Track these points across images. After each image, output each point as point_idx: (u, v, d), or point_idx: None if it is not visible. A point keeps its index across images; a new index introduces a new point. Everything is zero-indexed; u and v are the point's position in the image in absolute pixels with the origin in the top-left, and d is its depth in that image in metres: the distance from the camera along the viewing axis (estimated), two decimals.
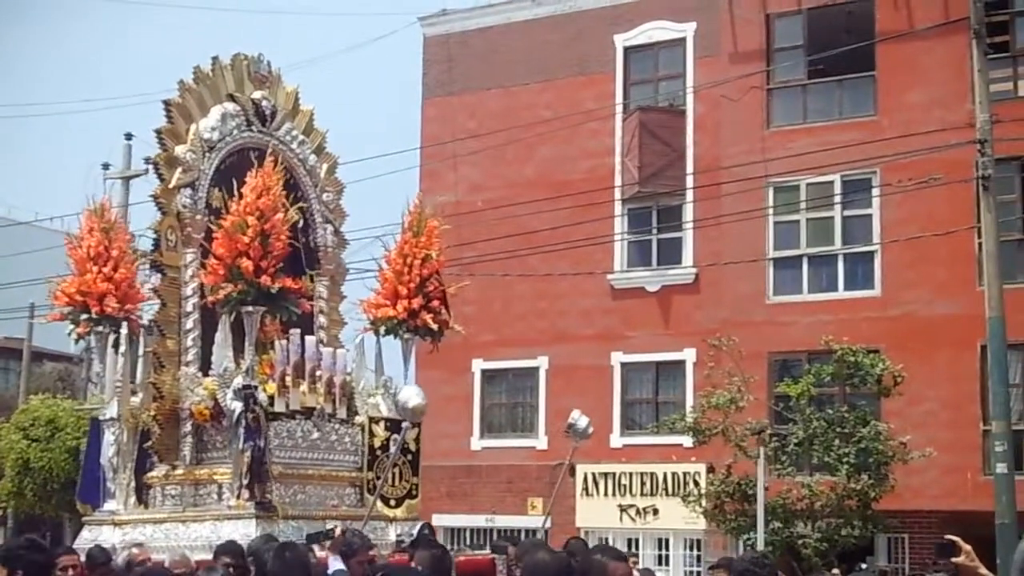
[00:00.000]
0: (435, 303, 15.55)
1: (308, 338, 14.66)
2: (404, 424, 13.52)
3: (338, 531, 10.96)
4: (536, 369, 30.31)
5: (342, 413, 15.00)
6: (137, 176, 29.76)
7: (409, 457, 15.07)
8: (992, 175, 20.85)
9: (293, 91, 16.48)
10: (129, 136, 30.15)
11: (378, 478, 14.25)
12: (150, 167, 29.02)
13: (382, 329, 15.60)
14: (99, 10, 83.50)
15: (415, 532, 14.01)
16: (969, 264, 24.73)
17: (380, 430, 14.81)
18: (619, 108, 30.27)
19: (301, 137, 16.32)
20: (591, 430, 16.39)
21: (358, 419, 15.16)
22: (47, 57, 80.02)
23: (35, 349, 41.45)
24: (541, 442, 30.10)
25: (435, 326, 15.59)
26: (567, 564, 6.70)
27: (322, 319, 16.18)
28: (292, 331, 14.48)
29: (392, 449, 14.32)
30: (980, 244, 22.28)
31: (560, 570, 6.60)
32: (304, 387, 14.40)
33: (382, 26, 73.82)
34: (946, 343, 24.96)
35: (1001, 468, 19.99)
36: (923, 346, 24.86)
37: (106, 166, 30.08)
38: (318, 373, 14.68)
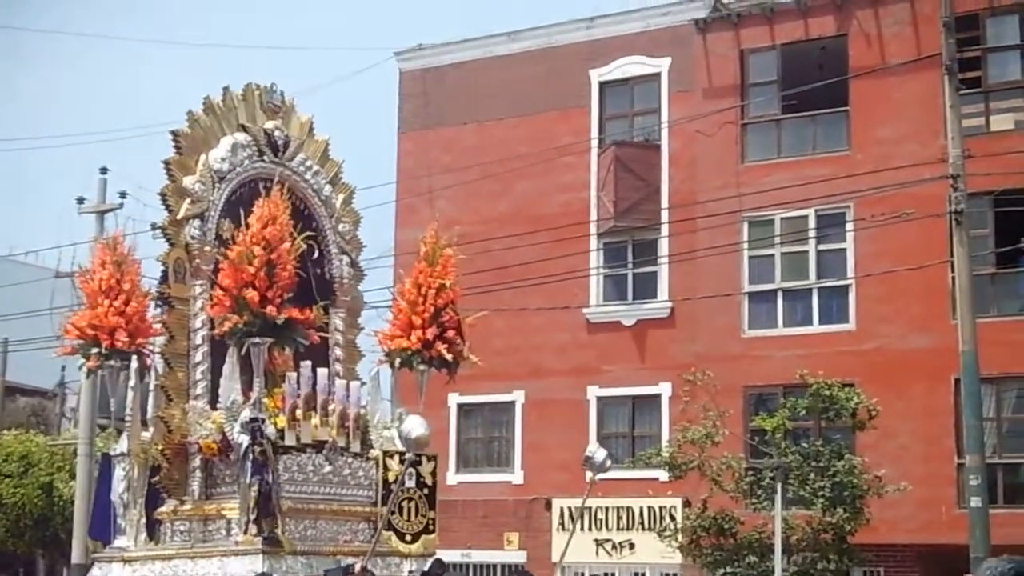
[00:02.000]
0: (450, 333, 15.20)
1: (320, 370, 14.34)
2: (408, 456, 13.26)
3: (357, 567, 10.80)
4: (512, 403, 30.30)
5: (356, 447, 14.66)
6: (111, 210, 29.68)
7: (425, 491, 14.54)
8: (965, 210, 21.01)
9: (307, 121, 16.22)
10: (104, 170, 30.06)
11: (392, 513, 13.87)
12: (124, 201, 29.27)
13: (397, 361, 15.27)
14: (69, 46, 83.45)
15: (427, 567, 13.75)
16: (942, 298, 24.84)
17: (395, 464, 14.20)
18: (595, 143, 30.37)
19: (316, 167, 16.03)
20: (609, 463, 15.83)
21: (372, 453, 14.77)
22: (23, 91, 79.92)
23: (8, 384, 41.23)
24: (517, 476, 30.06)
25: (450, 356, 15.22)
26: None
27: (338, 351, 15.84)
28: (303, 363, 14.20)
29: (407, 482, 14.01)
30: (953, 278, 22.42)
31: None
32: (316, 420, 14.10)
33: (358, 61, 73.99)
34: (920, 377, 25.05)
35: (975, 502, 20.06)
36: (897, 380, 24.94)
37: (81, 200, 29.98)
38: (331, 406, 14.36)
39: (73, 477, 29.78)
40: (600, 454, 15.22)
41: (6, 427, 35.84)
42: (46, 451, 32.95)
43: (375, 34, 69.15)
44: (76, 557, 27.74)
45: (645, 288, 29.76)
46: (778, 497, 19.97)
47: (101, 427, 31.26)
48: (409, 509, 14.30)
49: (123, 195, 29.87)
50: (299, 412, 13.92)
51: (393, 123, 33.03)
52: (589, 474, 15.59)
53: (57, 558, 33.55)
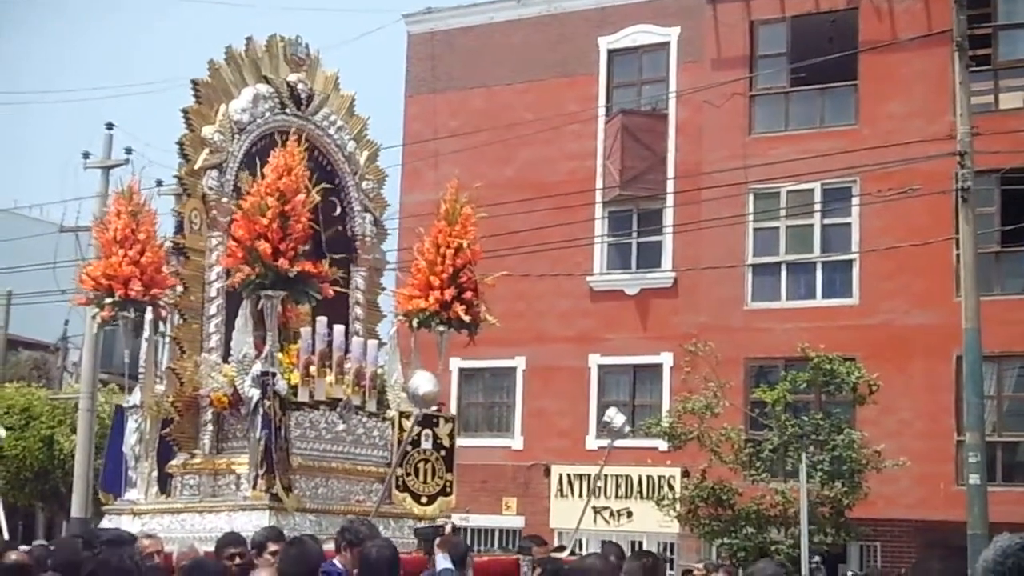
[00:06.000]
0: (468, 294, 14.93)
1: (336, 327, 14.16)
2: (415, 413, 13.07)
3: (448, 528, 10.66)
4: (513, 369, 30.36)
5: (372, 406, 14.49)
6: (117, 166, 29.65)
7: (443, 453, 14.29)
8: (971, 187, 20.96)
9: (333, 75, 15.95)
10: (110, 125, 30.05)
11: (408, 474, 13.74)
12: (131, 157, 29.26)
13: (414, 321, 15.01)
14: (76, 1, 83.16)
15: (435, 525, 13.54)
16: (947, 275, 24.84)
17: (410, 424, 13.86)
18: (602, 111, 30.34)
19: (340, 122, 15.74)
20: (628, 429, 15.66)
21: (389, 413, 14.58)
22: (28, 45, 79.68)
23: (11, 337, 41.31)
24: (517, 442, 30.16)
25: (468, 318, 14.94)
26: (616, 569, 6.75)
27: (359, 311, 15.64)
28: (319, 319, 14.03)
29: (423, 443, 13.84)
30: (958, 256, 22.39)
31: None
32: (331, 377, 13.93)
33: (367, 23, 73.70)
34: (922, 353, 25.09)
35: (974, 479, 20.10)
36: (899, 356, 24.98)
37: (86, 155, 29.96)
38: (347, 364, 14.20)
39: (74, 431, 29.88)
40: (619, 419, 15.09)
41: (8, 380, 35.95)
42: (47, 405, 33.05)
43: None
44: (75, 511, 27.87)
45: (649, 257, 29.78)
46: (802, 467, 19.99)
47: (103, 382, 31.36)
48: (425, 471, 14.08)
49: (129, 151, 29.86)
50: (313, 368, 13.79)
51: (400, 86, 32.99)
52: (607, 440, 15.47)
53: (56, 511, 33.72)
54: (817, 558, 21.78)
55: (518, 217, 27.69)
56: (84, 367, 29.61)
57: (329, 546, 9.81)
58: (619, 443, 15.93)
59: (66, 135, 61.13)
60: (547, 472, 29.21)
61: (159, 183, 29.33)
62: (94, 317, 14.99)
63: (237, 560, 9.31)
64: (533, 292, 29.16)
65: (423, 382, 12.61)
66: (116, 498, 14.42)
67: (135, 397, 14.42)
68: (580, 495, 28.27)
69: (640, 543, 27.70)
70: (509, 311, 29.75)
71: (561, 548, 15.82)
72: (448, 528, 10.74)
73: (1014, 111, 25.71)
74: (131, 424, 14.30)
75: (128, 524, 13.58)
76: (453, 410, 30.38)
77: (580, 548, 19.47)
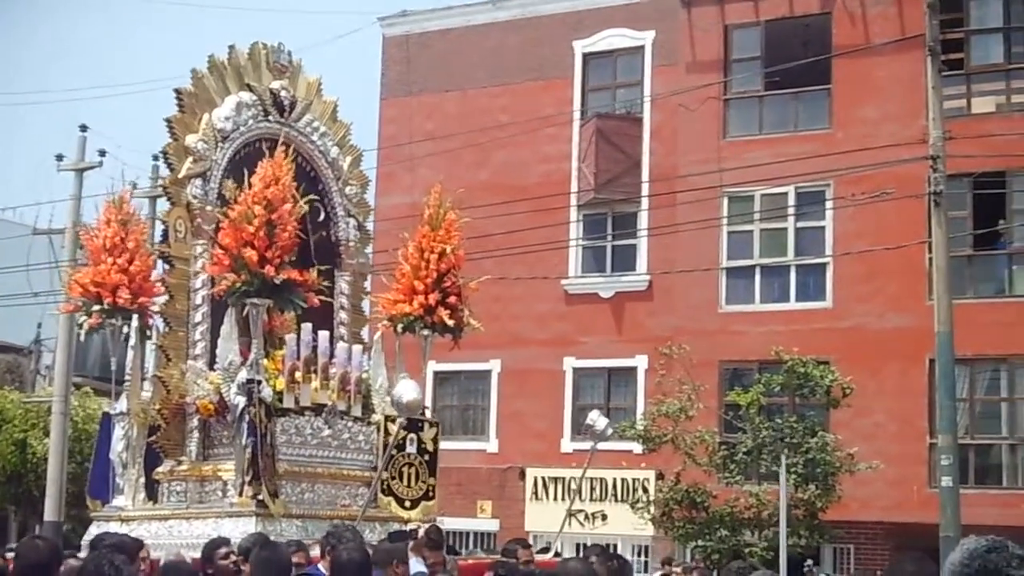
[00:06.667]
0: (452, 299, 15.14)
1: (321, 333, 14.29)
2: (399, 420, 13.25)
3: (421, 531, 10.74)
4: (488, 372, 30.37)
5: (357, 411, 14.64)
6: (91, 168, 29.55)
7: (426, 458, 14.51)
8: (944, 191, 21.06)
9: (315, 82, 16.08)
10: (84, 128, 29.90)
11: (393, 478, 13.87)
12: (103, 159, 29.16)
13: (399, 326, 15.21)
14: (49, 4, 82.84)
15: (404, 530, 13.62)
16: (919, 278, 24.96)
17: (395, 429, 14.08)
18: (576, 114, 30.39)
19: (323, 128, 15.91)
20: (610, 431, 15.78)
21: (374, 417, 14.73)
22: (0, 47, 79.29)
23: None
24: (492, 445, 30.17)
25: (452, 322, 15.17)
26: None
27: (343, 315, 15.81)
28: (303, 326, 14.14)
29: (408, 448, 13.95)
30: (930, 259, 22.50)
31: None
32: (316, 383, 14.05)
33: (342, 25, 73.63)
34: (895, 356, 25.19)
35: (947, 481, 20.19)
36: (872, 358, 25.08)
37: (60, 157, 29.82)
38: (332, 370, 14.33)
39: (47, 435, 29.71)
40: (602, 422, 15.24)
41: None
42: (20, 408, 32.87)
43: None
44: (48, 515, 27.73)
45: (624, 261, 29.84)
46: (782, 469, 20.10)
47: (76, 385, 31.21)
48: (409, 475, 14.25)
49: (102, 153, 29.75)
50: (298, 374, 13.88)
51: (375, 89, 32.96)
52: (589, 443, 15.57)
53: (30, 515, 33.51)
54: (809, 561, 21.93)
55: (493, 220, 27.68)
56: (57, 370, 29.46)
57: (316, 551, 9.88)
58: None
59: (39, 137, 60.94)
60: (522, 475, 29.24)
61: (133, 186, 29.25)
62: (81, 324, 15.00)
63: (232, 557, 9.36)
64: (508, 295, 29.15)
65: (407, 390, 12.89)
66: (104, 505, 14.49)
67: (122, 404, 14.50)
68: (555, 498, 28.31)
69: (615, 545, 27.73)
70: (484, 314, 29.44)
71: (545, 550, 15.89)
72: (421, 532, 10.79)
73: (986, 115, 25.90)
74: (118, 431, 14.39)
75: (115, 530, 13.60)
76: (427, 414, 30.46)
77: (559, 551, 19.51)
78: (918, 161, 22.32)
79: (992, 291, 26.02)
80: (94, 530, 14.13)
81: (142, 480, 14.26)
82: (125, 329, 14.58)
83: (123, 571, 6.31)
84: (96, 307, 14.39)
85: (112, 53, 77.52)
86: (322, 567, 9.29)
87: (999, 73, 26.59)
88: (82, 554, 10.77)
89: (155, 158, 28.06)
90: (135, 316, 14.45)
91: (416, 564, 10.05)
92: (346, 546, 8.43)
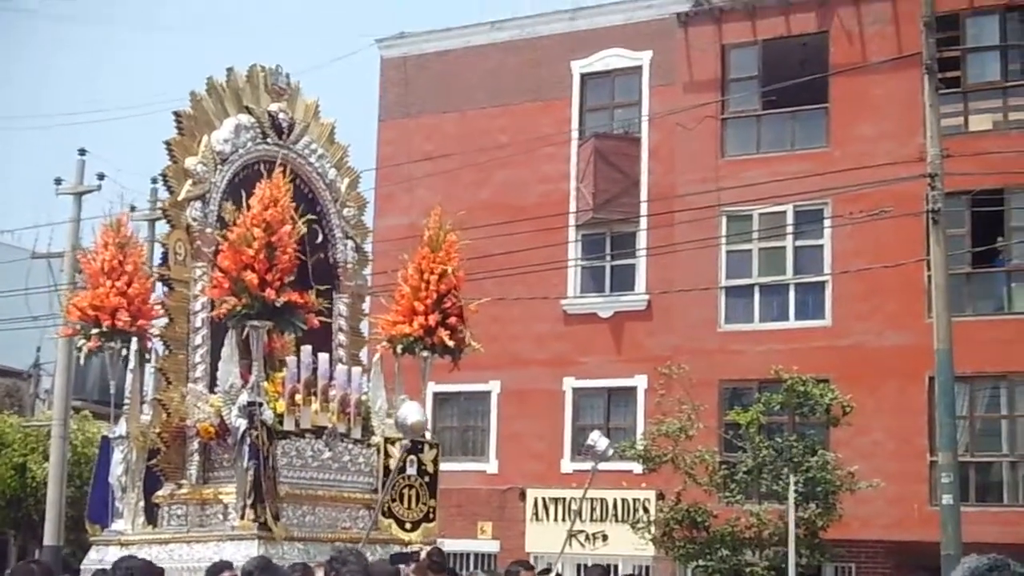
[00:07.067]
0: (452, 320, 15.10)
1: (320, 355, 14.22)
2: (403, 442, 13.20)
3: (423, 554, 10.72)
4: (488, 393, 30.35)
5: (357, 433, 14.56)
6: (90, 192, 29.62)
7: (427, 479, 14.46)
8: (942, 209, 21.11)
9: (313, 104, 16.08)
10: (83, 151, 29.98)
11: (393, 500, 13.82)
12: (102, 183, 29.22)
13: (398, 347, 15.17)
14: (47, 28, 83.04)
15: (406, 552, 13.61)
16: (918, 296, 24.98)
17: (396, 451, 14.00)
18: (575, 134, 30.42)
19: (320, 150, 15.91)
20: (611, 452, 15.76)
21: (374, 439, 14.67)
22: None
23: None
24: (492, 466, 30.13)
25: (452, 344, 15.13)
26: None
27: (342, 337, 15.76)
28: (303, 348, 14.09)
29: (408, 470, 13.92)
30: (929, 277, 22.53)
31: None
32: (316, 405, 14.00)
33: (340, 47, 73.83)
34: (894, 374, 25.19)
35: (947, 499, 20.18)
36: (872, 377, 25.08)
37: (58, 181, 29.89)
38: (332, 392, 14.27)
39: (46, 459, 29.70)
40: (602, 443, 15.16)
41: None
42: (20, 432, 32.85)
43: (357, 21, 69.04)
44: (48, 539, 27.71)
45: (623, 280, 29.84)
46: (791, 489, 20.08)
47: (75, 409, 31.20)
48: (410, 497, 14.22)
49: (101, 177, 29.81)
50: (299, 397, 13.83)
51: (373, 111, 33.01)
52: (590, 463, 15.55)
53: (29, 539, 33.46)
54: None
55: (492, 240, 27.73)
56: (56, 394, 29.46)
57: (320, 575, 9.87)
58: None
59: (38, 160, 61.06)
60: (522, 496, 29.18)
61: (132, 208, 29.31)
62: (80, 348, 14.99)
63: None
64: (507, 315, 29.12)
65: (411, 412, 12.74)
66: (103, 529, 14.42)
67: (121, 427, 14.43)
68: (556, 519, 28.26)
69: (616, 566, 27.68)
70: (483, 334, 29.52)
71: (547, 571, 15.86)
72: (423, 555, 10.78)
73: (983, 133, 25.93)
74: (117, 455, 14.32)
75: (116, 555, 13.54)
76: (427, 435, 30.43)
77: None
78: (916, 179, 22.37)
79: (991, 308, 26.04)
80: (93, 555, 14.14)
81: (141, 504, 14.16)
82: (124, 352, 14.56)
83: None
84: (95, 330, 14.34)
85: (111, 77, 77.76)
86: None
87: (996, 91, 26.65)
88: None
89: (154, 181, 28.20)
90: (134, 339, 14.42)
91: None
92: (349, 568, 8.43)
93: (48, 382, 38.24)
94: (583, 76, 30.77)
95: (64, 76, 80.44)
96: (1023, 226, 25.98)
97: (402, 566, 10.60)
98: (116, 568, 8.81)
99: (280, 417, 13.61)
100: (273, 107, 15.41)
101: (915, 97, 24.34)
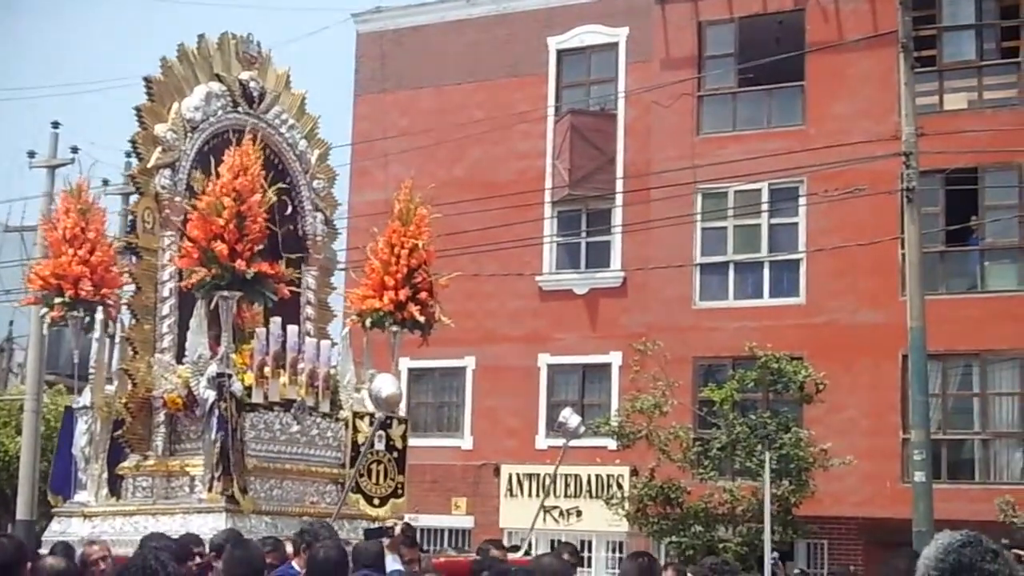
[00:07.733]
0: (423, 295, 15.04)
1: (290, 328, 14.16)
2: (378, 416, 13.10)
3: (398, 529, 10.69)
4: (463, 369, 30.36)
5: (325, 407, 14.53)
6: (63, 165, 29.42)
7: (395, 455, 14.39)
8: (916, 187, 21.15)
9: (284, 73, 15.97)
10: (56, 124, 29.79)
11: (361, 475, 13.72)
12: (77, 156, 29.04)
13: (368, 321, 15.09)
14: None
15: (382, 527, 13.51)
16: (892, 274, 25.05)
17: (364, 425, 13.94)
18: (551, 111, 30.39)
19: (291, 121, 15.82)
20: (583, 429, 15.73)
21: (342, 414, 14.62)
22: None
23: None
24: (466, 442, 30.15)
25: (422, 319, 15.08)
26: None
27: (309, 310, 15.68)
28: (273, 320, 14.01)
29: (377, 445, 13.82)
30: (903, 255, 22.60)
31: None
32: (284, 378, 13.94)
33: (315, 22, 73.35)
34: (868, 352, 25.27)
35: (919, 476, 20.28)
36: (845, 354, 25.16)
37: (32, 154, 29.69)
38: (300, 365, 14.21)
39: (19, 433, 29.59)
40: (574, 420, 15.21)
41: None
42: None
43: None
44: (21, 513, 27.60)
45: (598, 257, 29.85)
46: (766, 466, 20.16)
47: (49, 383, 31.06)
48: (378, 472, 14.14)
49: (75, 150, 29.63)
50: (267, 369, 13.77)
51: (349, 86, 32.91)
52: (561, 440, 15.54)
53: (2, 514, 33.36)
54: (776, 554, 21.95)
55: (467, 216, 27.68)
56: (29, 368, 29.33)
57: (289, 548, 9.85)
58: (569, 442, 16.00)
59: (11, 134, 60.67)
60: (497, 472, 29.22)
61: (105, 182, 29.16)
62: (43, 317, 14.82)
63: (197, 560, 9.30)
64: (482, 292, 29.14)
65: (385, 384, 12.56)
66: (65, 500, 14.29)
67: (85, 398, 14.29)
68: (530, 495, 28.30)
69: (589, 542, 27.78)
70: (458, 311, 29.59)
71: (515, 548, 15.86)
72: (398, 530, 10.75)
73: (958, 112, 25.99)
74: (81, 425, 14.17)
75: (78, 526, 13.52)
76: (402, 411, 30.40)
77: (531, 548, 19.57)
78: (891, 157, 22.40)
79: (964, 287, 26.13)
80: (56, 526, 14.07)
81: (105, 475, 14.06)
82: (88, 321, 14.39)
83: (168, 567, 6.22)
84: (58, 299, 14.19)
85: (86, 49, 77.20)
86: (296, 565, 9.24)
87: (971, 70, 26.69)
88: (43, 550, 10.66)
89: (127, 155, 28.01)
90: (99, 308, 14.27)
91: (392, 562, 10.02)
92: (323, 544, 8.38)
93: (21, 356, 38.07)
94: (559, 52, 30.71)
95: (38, 48, 79.87)
96: (997, 205, 26.06)
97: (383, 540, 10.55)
98: (143, 544, 8.72)
99: (248, 389, 13.53)
100: (244, 76, 15.31)
101: (891, 76, 24.37)
